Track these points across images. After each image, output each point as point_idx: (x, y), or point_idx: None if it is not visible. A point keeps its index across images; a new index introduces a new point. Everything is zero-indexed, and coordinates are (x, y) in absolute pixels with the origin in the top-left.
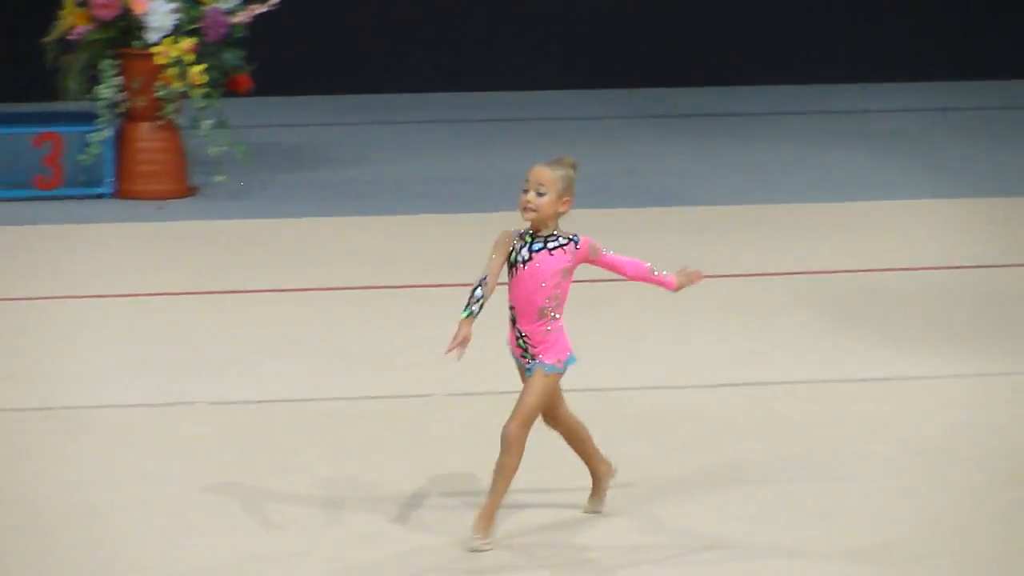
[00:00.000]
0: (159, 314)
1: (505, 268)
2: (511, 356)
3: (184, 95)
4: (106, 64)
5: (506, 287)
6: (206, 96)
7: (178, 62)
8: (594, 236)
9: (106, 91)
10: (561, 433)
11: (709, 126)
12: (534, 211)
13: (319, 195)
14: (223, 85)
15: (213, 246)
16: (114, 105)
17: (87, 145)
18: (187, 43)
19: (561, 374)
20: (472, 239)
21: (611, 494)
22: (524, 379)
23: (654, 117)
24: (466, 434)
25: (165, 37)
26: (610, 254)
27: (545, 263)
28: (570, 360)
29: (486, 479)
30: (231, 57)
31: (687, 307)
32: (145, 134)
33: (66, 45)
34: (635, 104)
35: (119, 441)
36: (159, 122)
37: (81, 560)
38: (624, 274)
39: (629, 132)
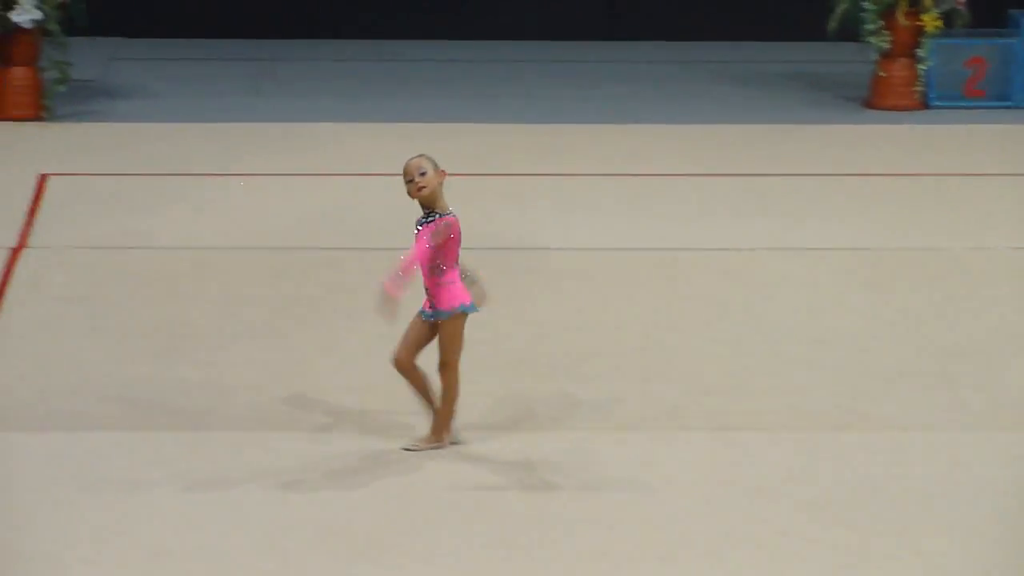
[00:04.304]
0: None
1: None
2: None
3: None
4: None
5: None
6: None
7: None
8: None
9: None
10: (411, 378)
11: None
12: (424, 186)
13: None
14: None
15: None
16: None
17: None
18: None
19: (462, 316)
20: None
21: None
22: (418, 324)
23: None
24: None
25: None
26: (421, 242)
27: (422, 231)
28: (464, 307)
29: None
30: None
31: None
32: None
33: None
34: None
35: None
36: None
37: None
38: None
39: None
